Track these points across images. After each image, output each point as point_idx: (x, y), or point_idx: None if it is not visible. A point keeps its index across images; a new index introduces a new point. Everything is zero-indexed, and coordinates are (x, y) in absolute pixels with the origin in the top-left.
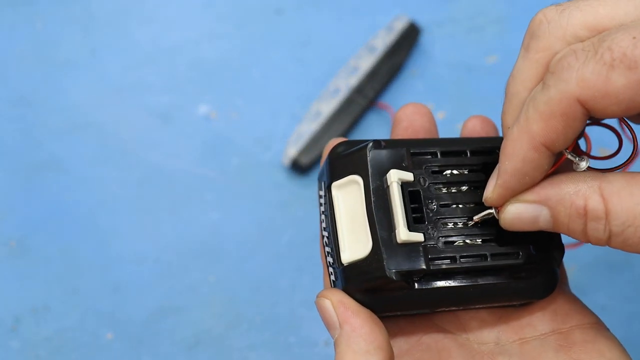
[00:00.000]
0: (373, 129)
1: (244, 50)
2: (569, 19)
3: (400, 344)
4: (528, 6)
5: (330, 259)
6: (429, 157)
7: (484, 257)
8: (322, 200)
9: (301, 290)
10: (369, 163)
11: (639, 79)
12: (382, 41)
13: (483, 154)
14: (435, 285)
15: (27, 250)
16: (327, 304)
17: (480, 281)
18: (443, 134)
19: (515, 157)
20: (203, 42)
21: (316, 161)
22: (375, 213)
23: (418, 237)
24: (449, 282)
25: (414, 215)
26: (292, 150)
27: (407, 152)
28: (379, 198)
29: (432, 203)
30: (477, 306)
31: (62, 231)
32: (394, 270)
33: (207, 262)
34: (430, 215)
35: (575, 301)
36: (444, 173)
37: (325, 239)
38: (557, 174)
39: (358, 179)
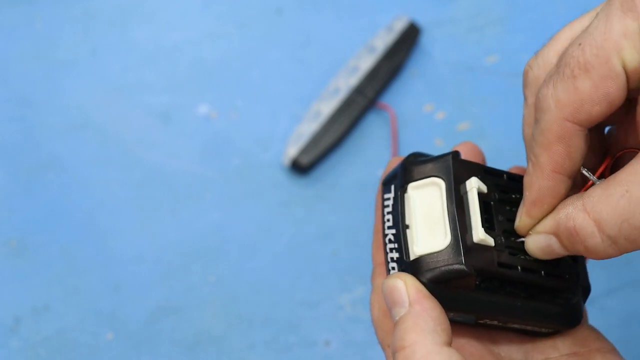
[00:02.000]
0: (373, 129)
1: (244, 50)
2: (543, 57)
3: None
4: (528, 6)
5: (395, 255)
6: (498, 178)
7: (539, 273)
8: (390, 202)
9: (301, 290)
10: (453, 168)
11: (600, 74)
12: (382, 41)
13: None
14: (489, 293)
15: (27, 250)
16: (400, 283)
17: (527, 298)
18: (443, 134)
19: (532, 188)
20: (203, 42)
21: (316, 161)
22: (456, 212)
23: (490, 240)
24: (502, 292)
25: (485, 224)
26: (292, 150)
27: (482, 168)
28: (457, 201)
29: (500, 216)
30: (515, 323)
31: (62, 231)
32: (471, 265)
33: (207, 262)
34: (499, 226)
35: (594, 330)
36: (509, 194)
37: (390, 236)
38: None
39: (439, 181)
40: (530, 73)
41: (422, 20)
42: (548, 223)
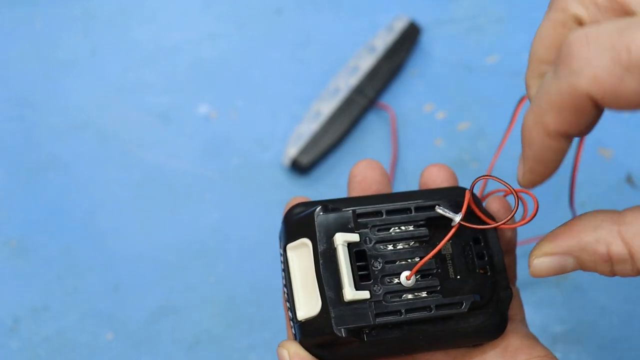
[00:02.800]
0: (373, 129)
1: (244, 50)
2: None
3: None
4: (528, 6)
5: (290, 314)
6: (375, 217)
7: (428, 308)
8: (282, 259)
9: None
10: (316, 227)
11: None
12: (382, 41)
13: (426, 209)
14: (385, 336)
15: (27, 250)
16: (284, 353)
17: (429, 329)
18: (443, 134)
19: (534, 145)
20: (203, 42)
21: (316, 161)
22: (323, 274)
23: (364, 295)
24: (398, 332)
25: (361, 273)
26: (292, 150)
27: (353, 214)
28: (327, 259)
29: (378, 261)
30: (429, 351)
31: (62, 231)
32: (342, 328)
33: (207, 262)
34: (376, 272)
35: (527, 336)
36: (390, 230)
37: (286, 294)
38: (573, 221)
39: (308, 242)
40: None
41: (422, 20)
42: (566, 244)
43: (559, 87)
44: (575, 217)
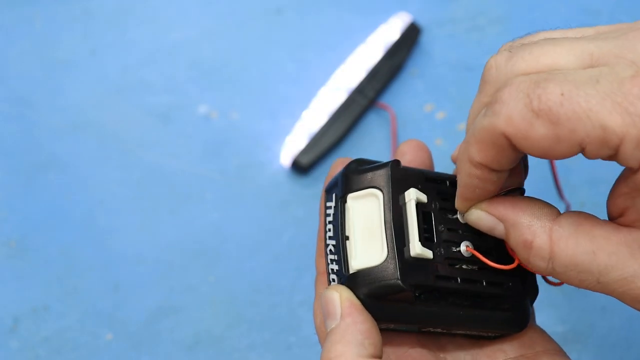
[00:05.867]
0: (373, 128)
1: (244, 50)
2: (513, 67)
3: (389, 354)
4: (528, 6)
5: (334, 267)
6: (440, 185)
7: (480, 282)
8: (331, 211)
9: (301, 291)
10: (390, 179)
11: (557, 134)
12: (383, 41)
13: None
14: (431, 304)
15: (27, 250)
16: (335, 295)
17: (470, 307)
18: (443, 134)
19: (462, 172)
20: (203, 42)
21: (316, 161)
22: (393, 226)
23: (428, 253)
24: (444, 303)
25: (424, 235)
26: (292, 150)
27: (423, 175)
28: (396, 213)
29: (441, 226)
30: (460, 330)
31: (62, 231)
32: (405, 279)
33: (207, 262)
34: (440, 236)
35: (541, 332)
36: (451, 201)
37: (331, 247)
38: (522, 199)
39: (377, 192)
40: (493, 72)
41: (422, 20)
42: (505, 212)
43: (483, 124)
44: (526, 197)
